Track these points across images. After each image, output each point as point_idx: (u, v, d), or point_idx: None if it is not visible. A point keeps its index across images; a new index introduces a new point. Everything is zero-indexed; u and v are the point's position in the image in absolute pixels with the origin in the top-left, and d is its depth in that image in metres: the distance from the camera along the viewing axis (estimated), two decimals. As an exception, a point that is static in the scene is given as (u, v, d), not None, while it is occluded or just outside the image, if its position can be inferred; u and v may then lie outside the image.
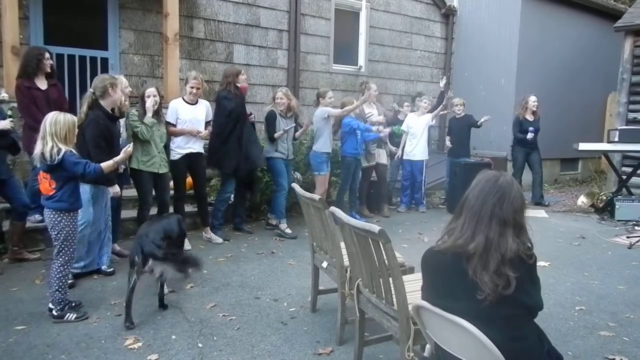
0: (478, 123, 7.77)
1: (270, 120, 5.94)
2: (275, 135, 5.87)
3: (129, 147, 3.81)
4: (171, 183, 5.56)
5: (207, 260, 4.96)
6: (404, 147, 7.55)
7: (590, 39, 10.64)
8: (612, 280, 4.69)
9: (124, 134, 4.84)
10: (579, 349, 3.31)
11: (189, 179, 5.63)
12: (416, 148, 7.49)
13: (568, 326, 3.66)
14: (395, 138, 7.62)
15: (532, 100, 8.15)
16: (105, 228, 4.43)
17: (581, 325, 3.68)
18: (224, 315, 3.69)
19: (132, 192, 5.55)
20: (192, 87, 5.34)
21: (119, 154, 3.77)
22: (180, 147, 5.36)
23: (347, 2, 8.79)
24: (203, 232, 5.69)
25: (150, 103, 4.83)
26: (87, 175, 3.45)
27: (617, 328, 3.64)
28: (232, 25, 7.61)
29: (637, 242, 5.91)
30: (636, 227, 6.64)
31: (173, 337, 3.33)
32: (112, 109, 4.31)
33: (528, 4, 9.73)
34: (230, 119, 5.50)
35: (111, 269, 4.48)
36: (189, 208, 5.83)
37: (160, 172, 5.08)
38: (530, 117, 8.17)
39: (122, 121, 4.85)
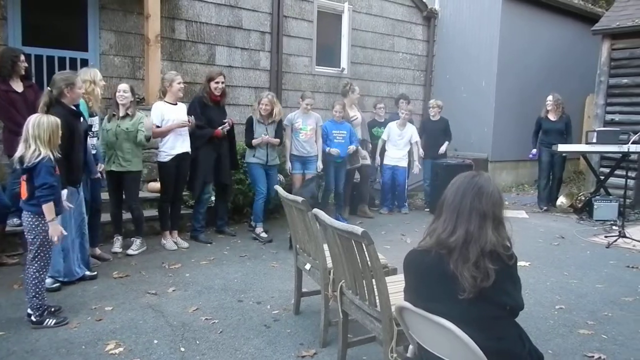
0: (444, 143, 7.89)
1: (248, 125, 6.02)
2: (253, 142, 5.88)
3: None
4: (156, 184, 5.55)
5: (189, 264, 4.94)
6: (381, 153, 7.65)
7: (569, 42, 10.84)
8: (590, 280, 4.77)
9: (97, 139, 4.75)
10: (559, 347, 3.36)
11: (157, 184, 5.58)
12: (398, 156, 7.59)
13: (548, 325, 3.71)
14: (374, 141, 7.69)
15: (548, 99, 7.99)
16: (78, 234, 4.29)
17: (561, 324, 3.74)
18: (206, 319, 3.66)
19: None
20: (179, 83, 5.38)
21: (82, 153, 4.09)
22: (171, 149, 5.33)
23: (330, 4, 8.80)
24: (169, 237, 5.50)
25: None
26: (37, 191, 3.34)
27: (595, 326, 3.70)
28: (214, 26, 7.57)
29: (615, 241, 6.03)
30: (614, 227, 6.77)
31: (155, 341, 3.30)
32: (76, 105, 4.16)
33: (508, 8, 9.86)
34: (204, 131, 5.61)
35: (94, 273, 4.42)
36: (149, 213, 5.76)
37: (114, 170, 5.02)
38: (553, 117, 7.98)
39: (96, 119, 4.81)
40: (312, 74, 8.68)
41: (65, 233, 3.67)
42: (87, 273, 4.36)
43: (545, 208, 8.10)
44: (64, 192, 3.72)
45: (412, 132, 7.63)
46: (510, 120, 9.96)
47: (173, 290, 4.22)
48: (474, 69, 10.11)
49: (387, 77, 9.69)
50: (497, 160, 9.95)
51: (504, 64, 9.88)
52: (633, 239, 6.05)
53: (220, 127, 5.65)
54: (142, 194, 5.70)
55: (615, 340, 3.48)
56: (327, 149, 6.65)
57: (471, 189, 1.93)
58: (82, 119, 4.21)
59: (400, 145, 7.59)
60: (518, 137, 9.55)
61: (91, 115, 4.69)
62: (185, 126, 5.35)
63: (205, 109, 5.65)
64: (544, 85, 9.58)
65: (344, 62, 9.09)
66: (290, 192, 4.92)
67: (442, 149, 7.88)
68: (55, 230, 3.44)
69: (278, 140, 6.07)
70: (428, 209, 7.87)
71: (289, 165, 6.47)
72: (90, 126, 4.63)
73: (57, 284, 4.09)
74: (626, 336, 3.54)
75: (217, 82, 5.68)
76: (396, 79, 9.82)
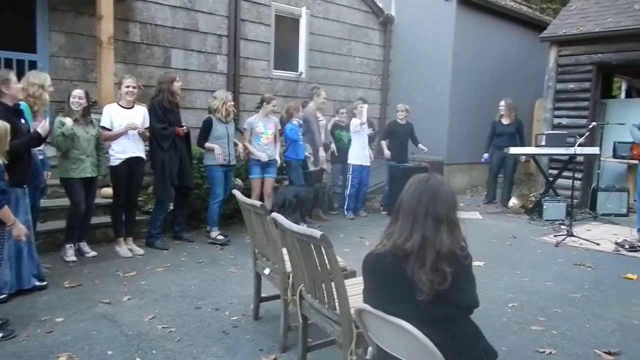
0: (418, 145, 8.29)
1: (206, 126, 5.90)
2: (206, 145, 5.84)
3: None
4: (109, 190, 5.41)
5: (145, 271, 4.83)
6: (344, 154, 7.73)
7: (520, 48, 11.24)
8: (541, 278, 4.94)
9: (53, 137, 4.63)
10: (512, 344, 3.46)
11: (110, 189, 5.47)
12: (365, 153, 7.69)
13: (502, 322, 3.83)
14: (339, 143, 7.73)
15: (500, 104, 8.59)
16: (25, 243, 4.05)
17: (514, 321, 3.85)
18: (163, 327, 3.58)
19: (61, 202, 5.33)
20: (127, 87, 5.24)
21: (26, 153, 3.91)
22: (121, 152, 5.20)
23: (287, 8, 8.81)
24: (123, 244, 5.37)
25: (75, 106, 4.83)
26: None
27: (546, 322, 3.84)
28: (170, 29, 7.44)
29: (563, 240, 6.27)
30: (562, 227, 7.03)
31: (109, 352, 3.20)
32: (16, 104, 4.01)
33: (462, 15, 10.15)
34: (169, 131, 5.52)
35: (44, 283, 4.24)
36: (103, 219, 5.65)
37: (93, 175, 4.99)
38: (505, 121, 8.55)
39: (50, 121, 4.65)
40: (270, 78, 8.66)
41: (27, 232, 3.62)
42: (37, 283, 4.19)
43: (486, 202, 8.80)
44: None
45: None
46: (464, 124, 10.23)
47: (128, 299, 4.10)
48: (429, 74, 10.33)
49: (344, 82, 9.77)
50: (452, 163, 10.19)
51: (458, 70, 10.15)
52: (580, 238, 6.32)
53: (180, 128, 5.65)
54: (95, 200, 5.54)
55: (564, 335, 3.62)
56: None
57: (426, 193, 1.96)
58: (23, 119, 4.05)
59: (365, 138, 7.69)
60: (472, 140, 9.81)
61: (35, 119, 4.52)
62: (134, 129, 5.19)
63: (166, 113, 5.55)
64: (496, 90, 9.88)
65: (302, 66, 9.11)
66: (249, 196, 4.89)
67: (423, 148, 8.28)
68: (19, 230, 3.41)
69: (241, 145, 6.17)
70: (385, 212, 7.97)
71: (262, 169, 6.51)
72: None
73: (4, 296, 3.89)
74: (574, 331, 3.69)
75: (178, 81, 5.71)
76: (353, 83, 9.91)
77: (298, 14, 8.95)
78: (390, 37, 10.46)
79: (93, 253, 5.15)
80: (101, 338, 3.39)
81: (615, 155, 8.35)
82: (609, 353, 3.32)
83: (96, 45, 6.41)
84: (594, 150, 7.77)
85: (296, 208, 6.35)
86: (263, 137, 6.39)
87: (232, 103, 6.01)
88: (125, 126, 5.15)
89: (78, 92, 4.91)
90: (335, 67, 9.61)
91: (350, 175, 7.63)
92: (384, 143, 8.31)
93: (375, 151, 8.57)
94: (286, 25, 8.96)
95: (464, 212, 7.68)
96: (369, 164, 7.80)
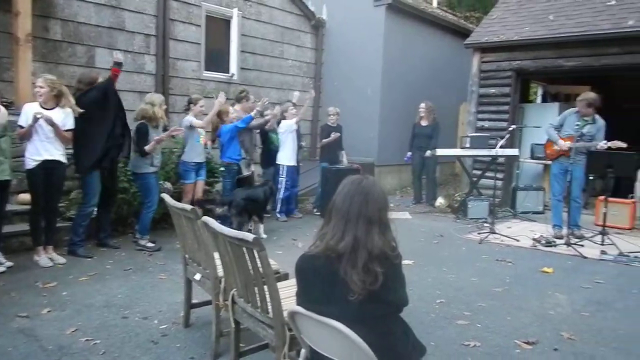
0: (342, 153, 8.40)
1: (142, 134, 5.60)
2: (147, 148, 5.56)
3: None
4: (27, 195, 5.09)
5: (67, 281, 4.58)
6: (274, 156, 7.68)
7: (446, 54, 11.72)
8: (466, 274, 5.16)
9: None
10: (440, 338, 3.59)
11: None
12: (294, 154, 7.68)
13: (430, 318, 3.96)
14: (270, 146, 7.69)
15: (420, 106, 9.01)
16: None
17: (441, 317, 4.00)
18: (87, 340, 3.41)
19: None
20: (35, 87, 4.99)
21: None
22: (36, 154, 4.88)
23: (218, 9, 8.68)
24: (43, 252, 5.06)
25: None
26: None
27: (471, 316, 4.01)
28: (94, 27, 7.12)
29: (486, 237, 6.60)
30: (485, 224, 7.38)
31: (27, 368, 3.01)
32: None
33: (391, 20, 10.43)
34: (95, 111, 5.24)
35: None
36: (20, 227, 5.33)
37: (10, 179, 4.75)
38: (424, 123, 8.96)
39: None
40: (200, 79, 8.50)
41: None
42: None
43: (415, 202, 9.18)
44: None
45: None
46: (394, 127, 10.51)
47: (48, 311, 3.87)
48: (361, 77, 10.54)
49: (276, 84, 9.76)
50: (383, 165, 10.42)
51: (388, 73, 10.42)
52: (501, 235, 6.67)
53: None
54: (11, 207, 5.20)
55: (487, 328, 3.80)
56: None
57: (358, 195, 2.00)
58: None
59: (294, 139, 7.69)
60: (402, 142, 10.08)
61: None
62: (40, 117, 4.79)
63: None
64: (425, 93, 10.23)
65: (234, 68, 9.01)
66: (178, 200, 4.76)
67: (345, 161, 8.36)
68: None
69: (182, 128, 6.04)
70: (318, 213, 8.03)
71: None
72: None
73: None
74: (497, 324, 3.88)
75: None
76: (286, 85, 9.92)
77: (229, 15, 8.85)
78: (322, 40, 10.59)
79: (9, 263, 4.81)
80: (18, 354, 3.18)
81: (532, 157, 8.90)
82: (528, 343, 3.53)
83: (12, 42, 6.03)
84: (514, 151, 8.24)
85: (248, 210, 6.24)
86: (201, 138, 6.28)
87: (165, 106, 5.86)
88: (32, 115, 4.77)
89: None
90: (267, 69, 9.59)
91: (282, 178, 7.58)
92: (325, 141, 8.40)
93: (308, 153, 8.61)
94: (217, 26, 8.83)
95: (394, 213, 7.84)
96: (296, 164, 7.84)
